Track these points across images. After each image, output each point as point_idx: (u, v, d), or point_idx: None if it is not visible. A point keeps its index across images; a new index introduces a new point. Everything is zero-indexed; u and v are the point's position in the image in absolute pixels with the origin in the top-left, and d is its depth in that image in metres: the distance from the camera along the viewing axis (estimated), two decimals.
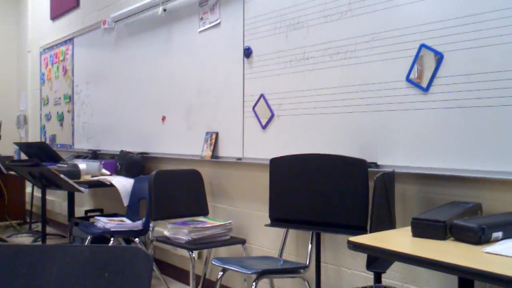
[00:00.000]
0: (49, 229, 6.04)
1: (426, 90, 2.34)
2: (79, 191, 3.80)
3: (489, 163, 2.12)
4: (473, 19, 2.17)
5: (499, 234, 1.65)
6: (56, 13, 6.49)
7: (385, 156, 2.53)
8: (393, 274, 2.57)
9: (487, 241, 1.63)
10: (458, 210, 1.92)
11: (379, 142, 2.56)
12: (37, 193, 6.25)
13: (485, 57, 2.13)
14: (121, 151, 4.62)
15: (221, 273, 2.78)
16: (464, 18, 2.20)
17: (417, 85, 2.38)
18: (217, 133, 3.62)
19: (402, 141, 2.45)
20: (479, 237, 1.61)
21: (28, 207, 6.59)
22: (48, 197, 6.12)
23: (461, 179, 2.27)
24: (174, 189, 3.51)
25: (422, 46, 2.35)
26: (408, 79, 2.42)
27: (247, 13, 3.36)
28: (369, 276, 2.68)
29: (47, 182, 3.86)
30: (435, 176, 2.35)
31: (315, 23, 2.88)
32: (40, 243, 4.74)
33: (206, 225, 3.25)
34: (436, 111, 2.30)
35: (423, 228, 1.76)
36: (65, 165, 4.38)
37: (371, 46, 2.58)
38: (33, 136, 7.25)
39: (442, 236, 1.71)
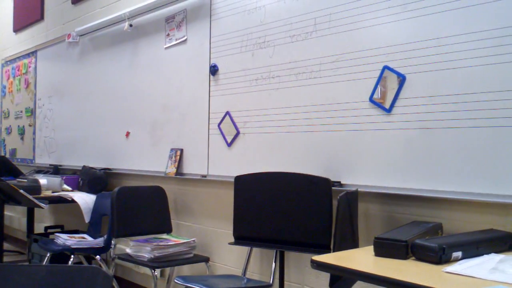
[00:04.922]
0: (7, 246, 5.86)
1: (389, 111, 2.38)
2: (39, 207, 3.71)
3: (449, 184, 2.16)
4: (435, 42, 2.22)
5: (459, 253, 1.68)
6: (19, 26, 6.38)
7: (349, 175, 2.55)
8: None
9: (447, 260, 1.65)
10: (419, 229, 1.94)
11: (343, 161, 2.58)
12: None
13: (446, 79, 2.18)
14: (84, 166, 4.54)
15: None
16: (427, 42, 2.25)
17: (380, 105, 2.42)
18: (181, 150, 3.60)
19: (365, 161, 2.48)
20: (440, 256, 1.64)
21: None
22: (6, 212, 5.94)
23: (422, 199, 2.31)
24: (137, 206, 3.46)
25: (385, 67, 2.40)
26: (371, 100, 2.45)
27: (214, 31, 3.37)
28: None
29: (6, 197, 3.76)
30: (397, 195, 2.38)
31: (281, 43, 2.91)
32: None
33: (169, 243, 3.21)
34: (398, 131, 2.34)
35: (385, 248, 1.77)
36: (25, 180, 4.27)
37: (336, 67, 2.62)
38: None
39: (403, 256, 1.73)
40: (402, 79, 2.33)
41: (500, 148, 2.02)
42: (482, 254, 1.72)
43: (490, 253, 1.74)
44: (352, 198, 2.33)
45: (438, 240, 1.74)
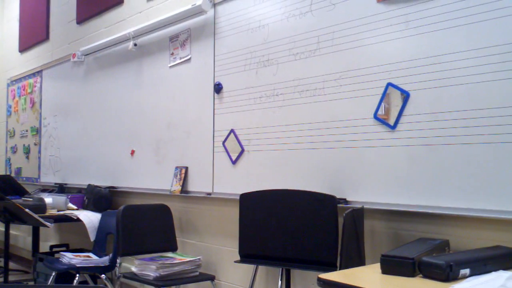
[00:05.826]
0: (12, 265, 5.84)
1: (393, 127, 2.38)
2: (44, 225, 3.71)
3: (455, 200, 2.15)
4: (438, 59, 2.23)
5: (467, 271, 1.67)
6: (25, 45, 6.44)
7: (354, 192, 2.55)
8: None
9: (455, 278, 1.64)
10: (426, 247, 1.93)
11: (348, 178, 2.58)
12: (0, 227, 6.07)
13: (449, 96, 2.19)
14: (89, 185, 4.55)
15: None
16: (429, 58, 2.26)
17: (384, 122, 2.42)
18: (186, 168, 3.61)
19: (370, 178, 2.48)
20: (447, 274, 1.63)
21: None
22: (11, 231, 5.92)
23: (428, 216, 2.30)
24: (142, 224, 3.46)
25: (389, 84, 2.41)
26: (375, 117, 2.46)
27: (218, 50, 3.39)
28: None
29: (11, 216, 3.76)
30: (403, 212, 2.38)
31: (284, 61, 2.93)
32: (2, 279, 4.59)
33: (175, 261, 3.20)
34: (403, 148, 2.35)
35: (392, 265, 1.76)
36: (31, 199, 4.28)
37: (339, 84, 2.63)
38: None
39: (411, 273, 1.72)
40: (406, 95, 2.34)
41: (505, 164, 2.01)
42: (490, 271, 1.71)
43: (498, 270, 1.73)
44: (358, 215, 2.33)
45: (446, 257, 1.73)
